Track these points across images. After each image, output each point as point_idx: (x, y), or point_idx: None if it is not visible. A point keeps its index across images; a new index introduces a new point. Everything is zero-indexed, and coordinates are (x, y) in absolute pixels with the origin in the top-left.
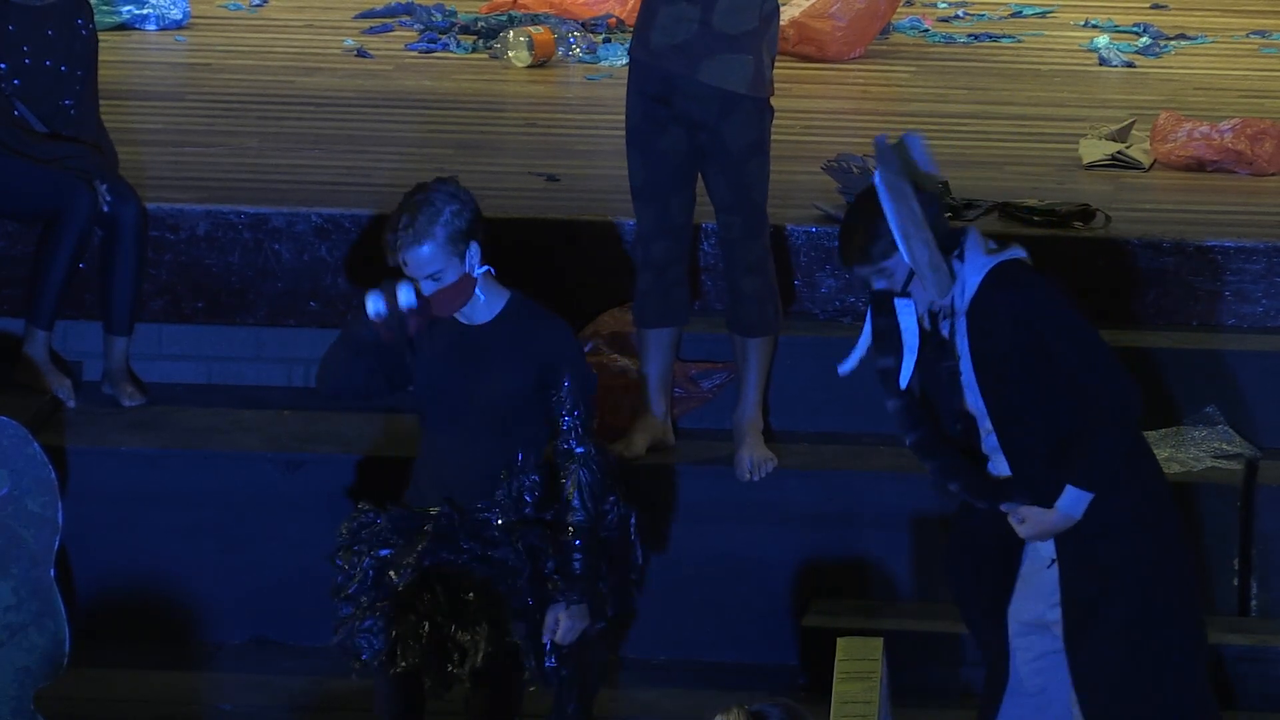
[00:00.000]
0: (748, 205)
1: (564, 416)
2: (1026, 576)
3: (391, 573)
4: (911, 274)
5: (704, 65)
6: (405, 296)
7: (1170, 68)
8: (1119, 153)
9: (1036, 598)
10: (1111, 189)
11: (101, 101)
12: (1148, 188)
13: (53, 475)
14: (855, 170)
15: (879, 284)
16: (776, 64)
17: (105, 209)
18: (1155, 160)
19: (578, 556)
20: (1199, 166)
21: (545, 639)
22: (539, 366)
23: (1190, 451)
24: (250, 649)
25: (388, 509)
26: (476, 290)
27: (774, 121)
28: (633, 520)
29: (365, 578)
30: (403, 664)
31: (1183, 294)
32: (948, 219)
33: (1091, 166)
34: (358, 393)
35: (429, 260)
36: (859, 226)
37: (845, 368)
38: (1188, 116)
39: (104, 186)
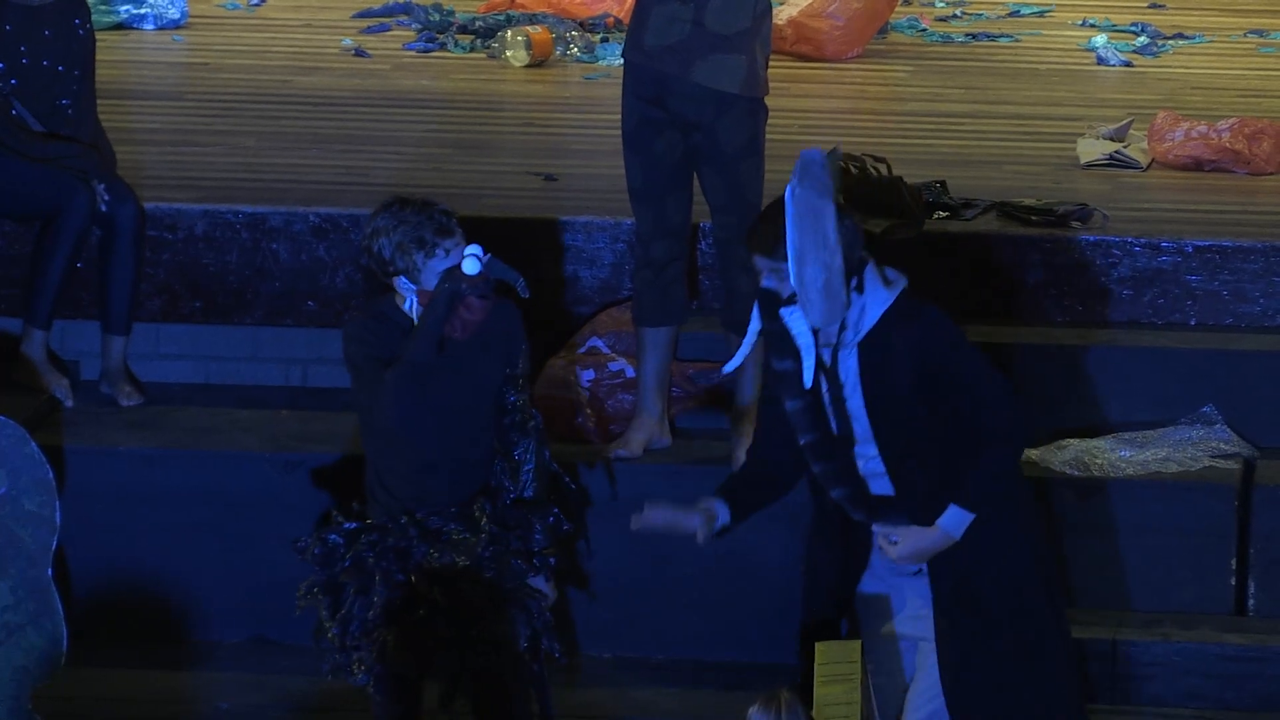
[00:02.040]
0: (742, 205)
1: (512, 395)
2: (884, 589)
3: (416, 585)
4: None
5: (697, 66)
6: (471, 265)
7: (1168, 67)
8: (1117, 152)
9: (898, 607)
10: (1109, 188)
11: (99, 101)
12: (1145, 187)
13: (50, 475)
14: (853, 170)
15: (768, 281)
16: (773, 63)
17: (103, 208)
18: (1153, 160)
19: (538, 531)
20: (1196, 166)
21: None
22: (505, 352)
23: (1188, 451)
24: (248, 648)
25: (377, 519)
26: None
27: (770, 121)
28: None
29: (382, 598)
30: (417, 661)
31: (1181, 293)
32: (864, 250)
33: (1089, 166)
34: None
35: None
36: (774, 220)
37: (729, 367)
38: (1185, 116)
39: (101, 186)
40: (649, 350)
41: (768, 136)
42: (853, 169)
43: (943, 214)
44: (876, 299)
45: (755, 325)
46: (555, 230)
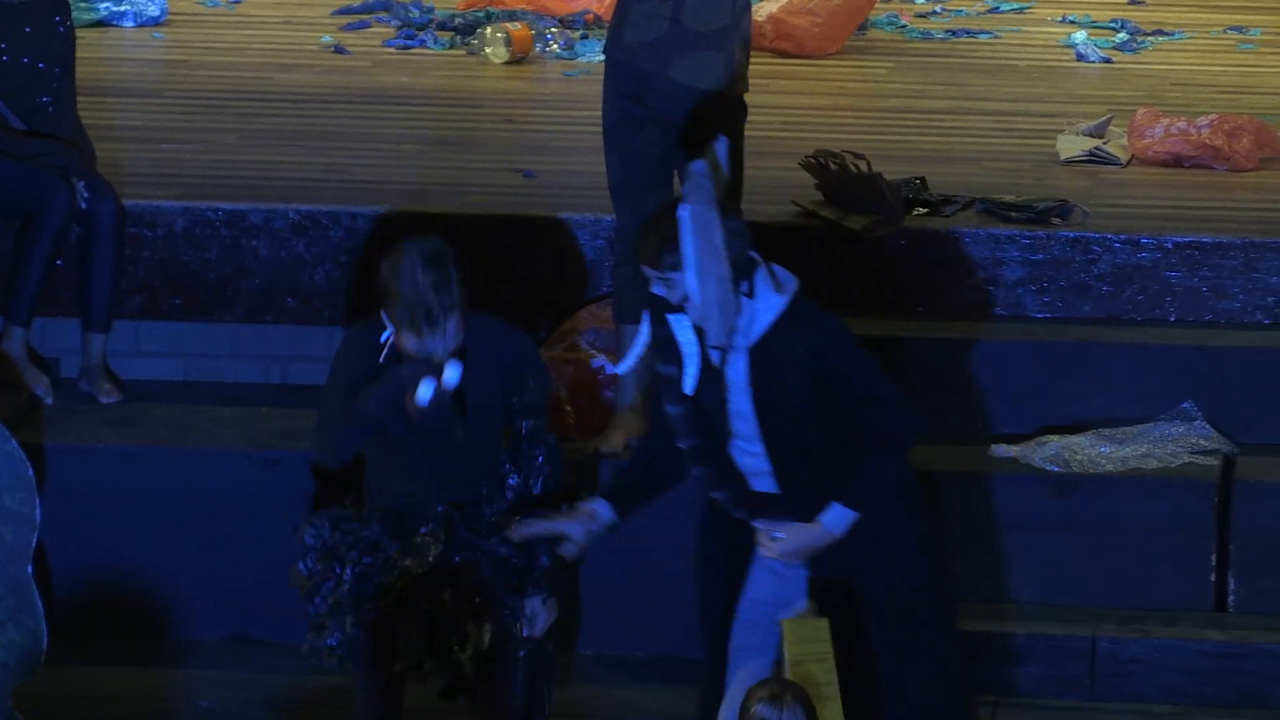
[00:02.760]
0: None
1: (526, 421)
2: (766, 577)
3: (380, 574)
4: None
5: (676, 63)
6: (450, 375)
7: (1147, 63)
8: (1096, 148)
9: (777, 594)
10: (1089, 184)
11: (79, 98)
12: (1125, 183)
13: (30, 472)
14: (833, 166)
15: (658, 289)
16: (753, 60)
17: (83, 206)
18: (1133, 156)
19: (543, 552)
20: (1176, 162)
21: (525, 633)
22: (507, 379)
23: (1168, 447)
24: (228, 646)
25: (363, 515)
26: None
27: (751, 118)
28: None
29: (350, 585)
30: (405, 659)
31: (1160, 289)
32: (749, 253)
33: (1069, 162)
34: (351, 452)
35: (456, 332)
36: (661, 231)
37: (622, 368)
38: (1165, 112)
39: (81, 183)
40: (629, 347)
41: (749, 133)
42: (832, 165)
43: (922, 210)
44: (767, 304)
45: (645, 330)
46: (535, 227)
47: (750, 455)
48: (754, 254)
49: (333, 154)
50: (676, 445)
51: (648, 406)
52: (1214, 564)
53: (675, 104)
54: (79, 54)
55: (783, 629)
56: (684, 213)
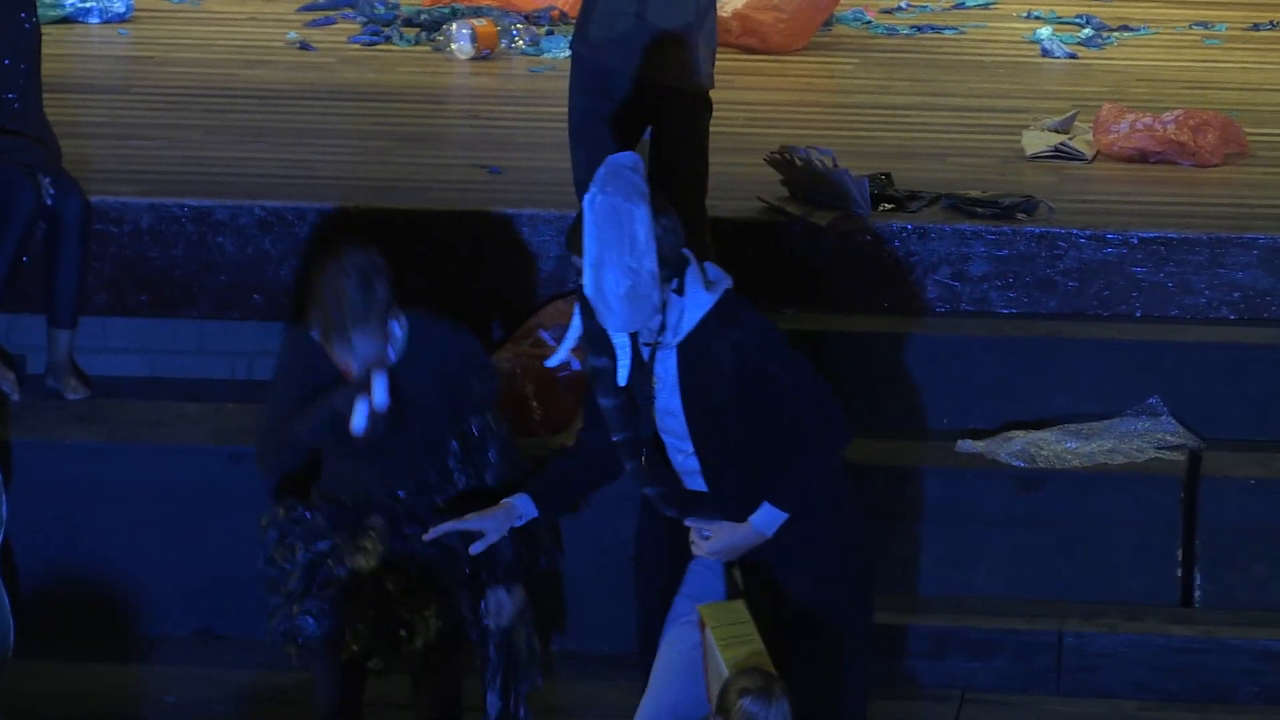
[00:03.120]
0: (688, 197)
1: (475, 420)
2: (703, 573)
3: (330, 562)
4: None
5: (641, 59)
6: (379, 395)
7: (1113, 59)
8: (1062, 144)
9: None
10: (1055, 180)
11: (45, 95)
12: (1091, 179)
13: None
14: (798, 162)
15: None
16: (719, 56)
17: (49, 202)
18: (1098, 151)
19: (506, 543)
20: (1142, 158)
21: (487, 623)
22: (450, 379)
23: (1133, 443)
24: (195, 641)
25: (316, 504)
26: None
27: (717, 114)
28: None
29: (302, 572)
30: (353, 648)
31: (1126, 285)
32: (681, 250)
33: (1035, 158)
34: (293, 464)
35: (372, 345)
36: None
37: (553, 362)
38: (1130, 108)
39: (47, 180)
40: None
41: (715, 129)
42: (797, 161)
43: (888, 206)
44: (696, 301)
45: (577, 323)
46: (501, 223)
47: (681, 453)
48: (687, 251)
49: (299, 150)
50: (610, 439)
51: None
52: (1180, 559)
53: (640, 100)
54: (44, 50)
55: (701, 615)
56: (587, 201)
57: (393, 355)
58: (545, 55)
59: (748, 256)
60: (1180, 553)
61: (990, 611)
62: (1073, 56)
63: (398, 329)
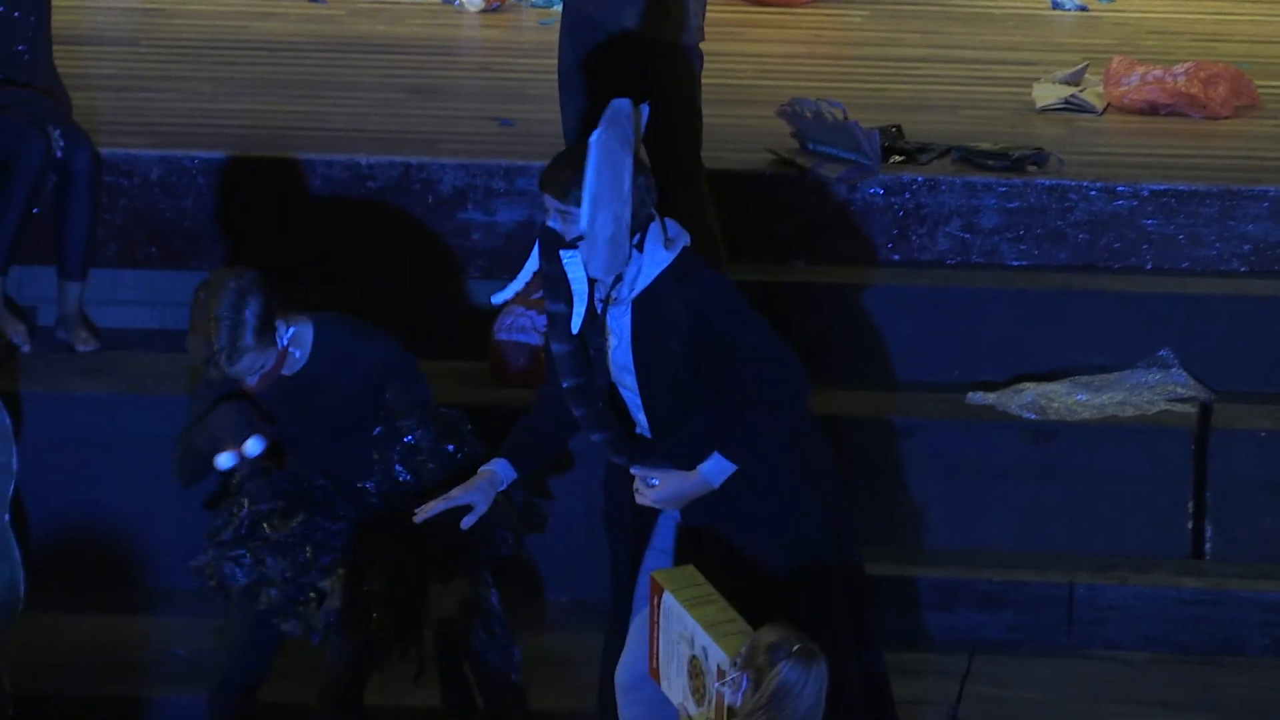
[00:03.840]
0: (679, 149)
1: (411, 431)
2: (671, 528)
3: (266, 525)
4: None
5: (629, 10)
6: (254, 446)
7: (1123, 11)
8: (1072, 96)
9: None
10: (1065, 132)
11: (55, 47)
12: (1101, 131)
13: (7, 421)
14: (809, 115)
15: (553, 222)
16: (730, 8)
17: (59, 155)
18: (1108, 104)
19: (501, 541)
20: (1152, 110)
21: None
22: (367, 380)
23: (1144, 395)
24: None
25: (269, 471)
26: (291, 350)
27: (727, 66)
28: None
29: (240, 525)
30: (264, 602)
31: (1136, 237)
32: (649, 209)
33: (1045, 110)
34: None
35: (252, 365)
36: (572, 164)
37: (500, 298)
38: (1141, 60)
39: (57, 132)
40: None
41: (725, 82)
42: (807, 114)
43: (898, 159)
44: (655, 258)
45: (532, 263)
46: (510, 174)
47: (631, 407)
48: (653, 209)
49: (309, 102)
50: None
51: None
52: (1190, 511)
53: (629, 51)
54: (55, 2)
55: (654, 581)
56: (594, 139)
57: (299, 355)
58: (554, 8)
59: (757, 209)
60: (1191, 505)
61: (1001, 564)
62: (1083, 9)
63: (289, 338)
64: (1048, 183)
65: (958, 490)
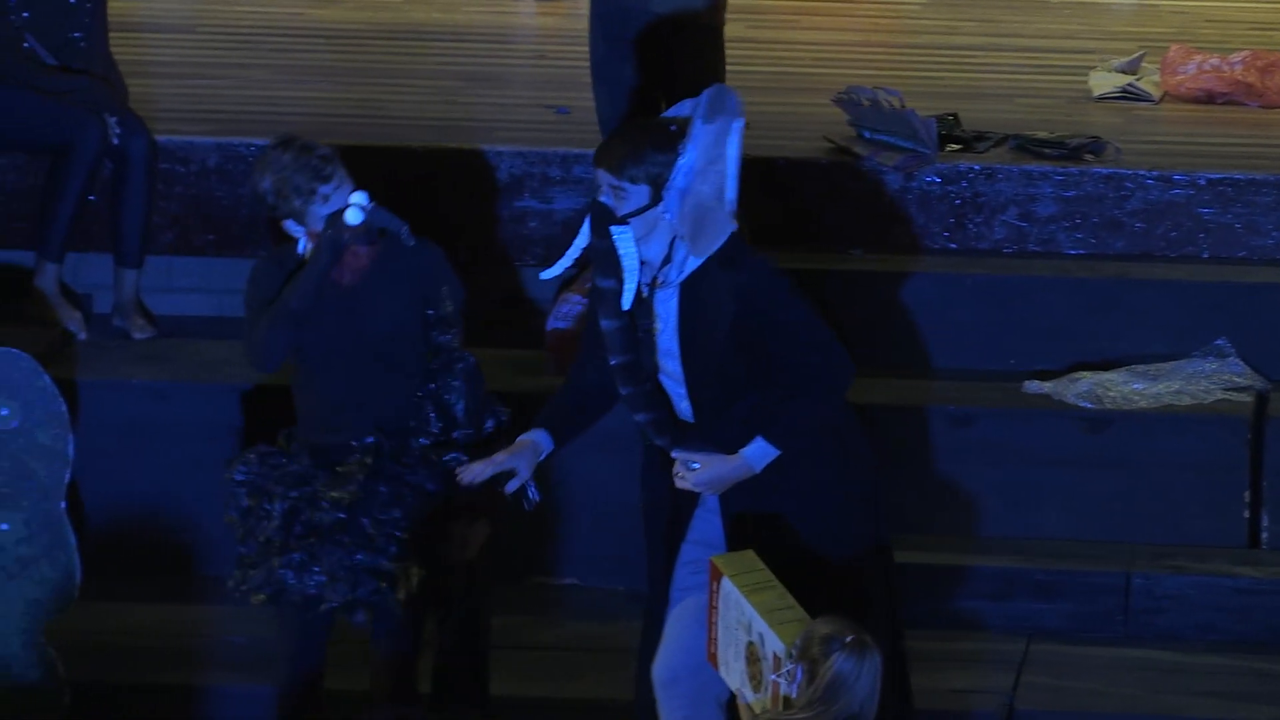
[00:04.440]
0: None
1: (443, 335)
2: (710, 518)
3: (309, 509)
4: (642, 209)
5: None
6: (358, 196)
7: (1181, 0)
8: (1129, 85)
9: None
10: (1122, 121)
11: (112, 34)
12: (1158, 120)
13: (63, 408)
14: (865, 102)
15: (605, 197)
16: None
17: (114, 141)
18: (1165, 93)
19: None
20: (1209, 99)
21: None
22: (419, 293)
23: (1201, 384)
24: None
25: (291, 450)
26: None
27: (783, 53)
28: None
29: (281, 520)
30: (331, 601)
31: (1193, 226)
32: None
33: (1102, 99)
34: (282, 358)
35: (346, 178)
36: (634, 141)
37: (548, 274)
38: (1198, 49)
39: (113, 119)
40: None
41: (781, 70)
42: (864, 101)
43: (955, 147)
44: None
45: (583, 238)
46: (567, 162)
47: (676, 396)
48: None
49: (365, 90)
50: (608, 363)
51: None
52: (1247, 501)
53: (657, 37)
54: None
55: (714, 566)
56: (737, 127)
57: (361, 216)
58: None
59: (814, 197)
60: (1247, 494)
61: (1057, 553)
62: None
63: (363, 197)
64: (1104, 171)
65: (1014, 479)
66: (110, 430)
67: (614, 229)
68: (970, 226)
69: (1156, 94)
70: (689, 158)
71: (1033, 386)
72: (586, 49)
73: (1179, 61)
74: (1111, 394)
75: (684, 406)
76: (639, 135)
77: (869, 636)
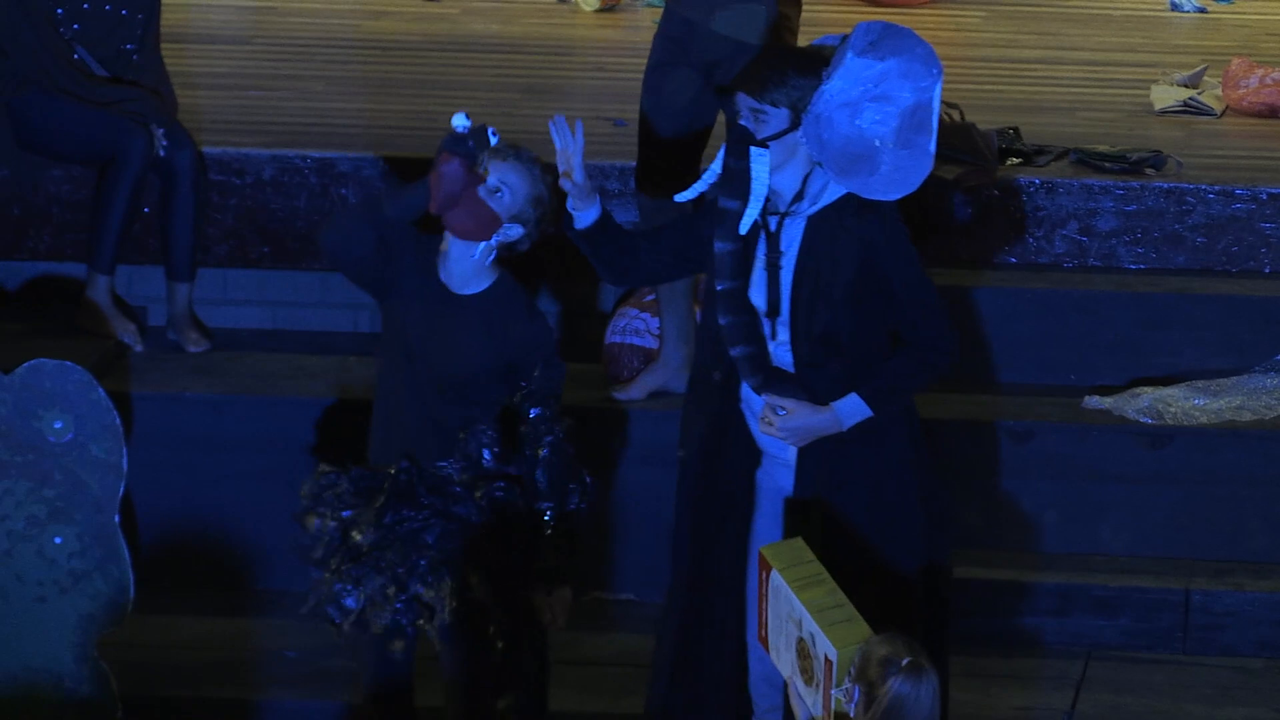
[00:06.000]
0: None
1: (532, 409)
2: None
3: (354, 533)
4: (782, 132)
5: (719, 13)
6: (458, 117)
7: (1243, 13)
8: (1191, 99)
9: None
10: (1183, 135)
11: (166, 45)
12: (1220, 134)
13: (117, 421)
14: None
15: (745, 120)
16: (846, 8)
17: (161, 153)
18: (1227, 106)
19: (559, 546)
20: (1271, 113)
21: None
22: (510, 356)
23: (1262, 399)
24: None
25: (349, 469)
26: (477, 252)
27: None
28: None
29: (331, 540)
30: (376, 628)
31: (1255, 240)
32: None
33: (1163, 112)
34: (352, 263)
35: (507, 176)
36: (776, 64)
37: (683, 196)
38: (1260, 63)
39: (160, 131)
40: (666, 300)
41: None
42: None
43: (1016, 161)
44: None
45: (717, 165)
46: (624, 175)
47: (776, 340)
48: None
49: (422, 102)
50: (667, 260)
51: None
52: None
53: (714, 53)
54: (165, 1)
55: (763, 557)
56: (901, 38)
57: (463, 278)
58: None
59: None
60: None
61: (1116, 569)
62: (1202, 10)
63: (480, 256)
64: (1165, 185)
65: (1073, 494)
66: (164, 443)
67: (753, 149)
68: (1030, 240)
69: (1218, 108)
70: (833, 84)
71: (1093, 402)
72: (644, 62)
73: (1241, 75)
74: (1172, 409)
75: (781, 352)
76: (781, 58)
77: (925, 657)
